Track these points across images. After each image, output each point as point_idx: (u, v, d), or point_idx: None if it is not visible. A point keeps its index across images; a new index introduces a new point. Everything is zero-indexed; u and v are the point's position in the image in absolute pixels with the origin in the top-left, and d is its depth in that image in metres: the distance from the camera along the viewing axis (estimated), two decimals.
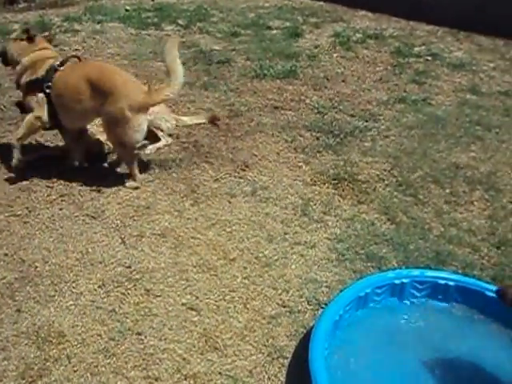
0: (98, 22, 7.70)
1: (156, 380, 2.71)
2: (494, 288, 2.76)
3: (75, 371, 2.73)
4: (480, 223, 3.93)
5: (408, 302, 3.13)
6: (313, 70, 6.27)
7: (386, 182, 4.29)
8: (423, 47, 7.12)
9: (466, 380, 2.76)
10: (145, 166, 4.28)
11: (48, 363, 2.77)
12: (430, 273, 3.21)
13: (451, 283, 3.13)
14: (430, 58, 6.85)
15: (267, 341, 2.94)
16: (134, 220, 3.76)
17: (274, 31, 7.31)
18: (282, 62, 6.28)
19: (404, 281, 3.12)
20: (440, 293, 3.14)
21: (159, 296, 3.18)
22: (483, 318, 3.05)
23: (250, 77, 5.93)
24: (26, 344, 2.86)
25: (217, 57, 6.28)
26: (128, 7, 8.49)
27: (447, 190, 4.26)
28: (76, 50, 6.53)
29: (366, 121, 5.22)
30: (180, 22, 7.60)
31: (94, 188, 4.06)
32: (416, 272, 3.20)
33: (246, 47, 6.64)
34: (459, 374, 2.79)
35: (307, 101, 5.54)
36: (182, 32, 7.17)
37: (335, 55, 6.69)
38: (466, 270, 3.46)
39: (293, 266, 3.45)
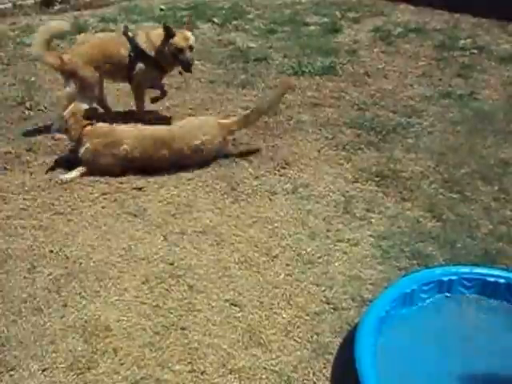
0: (133, 22, 7.94)
1: (202, 374, 2.84)
2: None
3: (122, 364, 2.89)
4: None
5: (456, 300, 3.18)
6: (352, 66, 6.35)
7: (431, 178, 4.34)
8: (469, 40, 7.11)
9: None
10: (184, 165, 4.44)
11: (95, 356, 2.93)
12: (479, 270, 3.25)
13: (502, 281, 3.16)
14: (475, 51, 6.84)
15: (311, 337, 3.04)
16: (176, 218, 3.92)
17: (312, 27, 7.41)
18: (320, 58, 6.38)
19: (452, 278, 3.17)
20: (489, 291, 3.18)
21: (202, 292, 3.32)
22: None
23: (287, 74, 6.05)
24: (73, 337, 3.03)
25: (254, 54, 6.42)
26: (163, 6, 8.73)
27: (495, 187, 4.27)
28: None
29: (409, 117, 5.27)
30: (215, 20, 7.78)
31: (134, 186, 4.24)
32: (464, 269, 3.25)
33: (283, 44, 6.77)
34: (506, 377, 2.82)
35: (347, 97, 5.63)
36: (218, 30, 7.35)
37: (375, 50, 6.75)
38: None
39: (336, 264, 3.54)
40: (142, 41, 4.95)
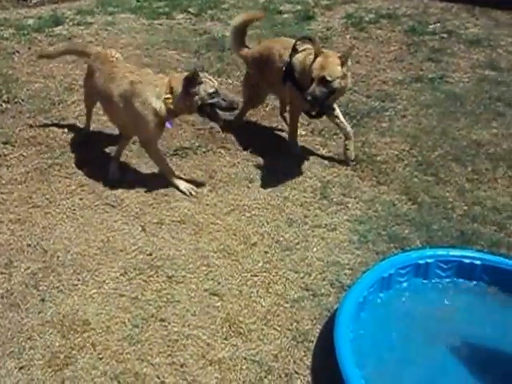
0: (110, 14, 7.61)
1: (181, 366, 2.69)
2: None
3: (101, 359, 2.73)
4: (505, 200, 3.83)
5: (433, 283, 3.06)
6: None
7: (406, 162, 4.20)
8: (438, 24, 6.93)
9: (492, 364, 2.68)
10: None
11: (74, 351, 2.76)
12: (454, 252, 3.13)
13: (477, 262, 3.05)
14: (445, 35, 6.66)
15: (291, 325, 2.90)
16: (154, 208, 3.73)
17: (286, 15, 7.16)
18: None
19: (428, 261, 3.05)
20: (466, 272, 3.06)
21: (181, 282, 3.15)
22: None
23: None
24: (51, 333, 2.86)
25: (229, 43, 6.16)
26: None
27: (469, 168, 4.15)
28: (89, 42, 6.48)
29: (383, 101, 5.11)
30: (191, 10, 7.48)
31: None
32: (440, 251, 3.13)
33: (258, 32, 6.50)
34: (484, 357, 2.73)
35: None
36: (194, 20, 7.07)
37: (348, 37, 6.53)
38: (492, 249, 3.38)
39: (314, 249, 3.39)
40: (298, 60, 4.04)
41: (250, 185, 3.94)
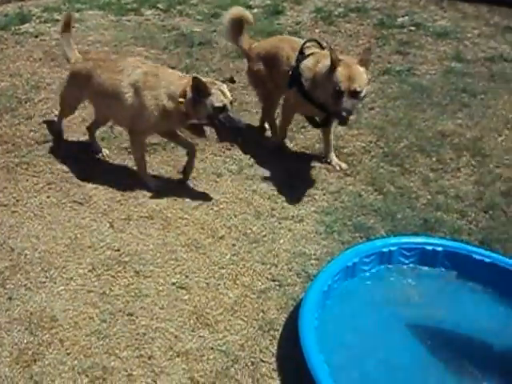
0: (78, 11, 7.57)
1: (149, 359, 2.74)
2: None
3: (68, 354, 2.76)
4: (467, 189, 3.96)
5: (396, 270, 3.16)
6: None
7: (372, 153, 4.30)
8: (406, 18, 7.06)
9: (456, 346, 2.78)
10: (128, 152, 4.26)
11: (41, 348, 2.79)
12: (417, 239, 3.24)
13: (439, 249, 3.15)
14: (413, 28, 6.80)
15: (258, 315, 2.97)
16: (122, 204, 3.76)
17: (255, 10, 7.20)
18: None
19: (392, 248, 3.15)
20: (428, 259, 3.16)
21: (149, 277, 3.20)
22: (472, 283, 3.08)
23: (231, 57, 5.87)
24: (18, 330, 2.88)
25: (198, 39, 6.20)
26: None
27: (434, 158, 4.27)
28: (56, 39, 6.46)
29: None
30: (160, 6, 7.48)
31: (80, 175, 4.05)
32: (403, 239, 3.23)
33: None
34: (448, 339, 2.82)
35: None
36: (163, 16, 7.08)
37: (317, 31, 6.62)
38: (454, 236, 3.50)
39: (281, 241, 3.47)
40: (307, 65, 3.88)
41: (217, 179, 4.01)
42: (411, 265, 3.16)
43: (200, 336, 2.86)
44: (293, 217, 3.65)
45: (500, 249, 3.35)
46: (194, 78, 3.51)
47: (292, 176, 4.04)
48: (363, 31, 6.73)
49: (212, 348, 2.79)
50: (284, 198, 3.83)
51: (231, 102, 3.58)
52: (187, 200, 3.79)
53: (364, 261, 3.08)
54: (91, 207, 3.74)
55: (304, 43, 3.99)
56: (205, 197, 3.83)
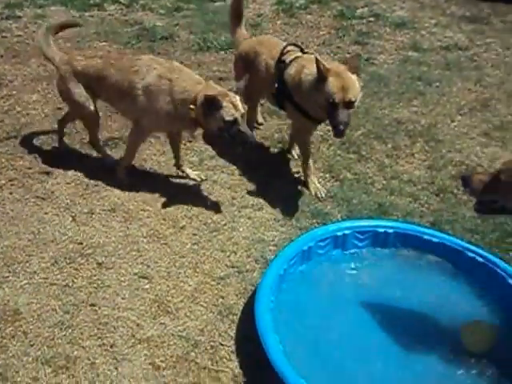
0: (40, 7, 7.47)
1: (111, 347, 2.80)
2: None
3: (32, 345, 2.79)
4: (420, 173, 4.09)
5: (351, 253, 3.26)
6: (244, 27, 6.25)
7: (330, 141, 4.39)
8: (366, 9, 7.17)
9: (408, 323, 2.88)
10: (90, 146, 4.28)
11: (5, 340, 2.81)
12: (369, 222, 3.34)
13: (390, 230, 3.26)
14: (372, 18, 6.91)
15: (217, 300, 3.05)
16: (84, 198, 3.78)
17: (217, 3, 7.22)
18: (225, 33, 6.23)
19: (346, 232, 3.24)
20: (380, 241, 3.27)
21: (111, 268, 3.24)
22: (423, 262, 3.20)
23: (193, 50, 5.91)
24: None
25: (160, 33, 6.20)
26: None
27: (389, 145, 4.39)
28: (18, 36, 6.40)
29: None
30: (122, 0, 7.43)
31: (42, 171, 4.05)
32: (357, 223, 3.33)
33: (190, 21, 6.59)
34: (400, 317, 2.91)
35: None
36: (125, 10, 7.05)
37: (279, 22, 6.69)
38: (406, 218, 3.61)
39: (241, 229, 3.54)
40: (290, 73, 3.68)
41: (179, 171, 4.05)
42: (365, 247, 3.26)
43: (161, 323, 2.92)
44: (252, 205, 3.73)
45: (449, 229, 3.48)
46: (206, 85, 3.48)
47: (252, 166, 4.11)
48: (324, 22, 6.82)
49: (173, 334, 2.85)
50: (244, 188, 3.90)
51: (242, 116, 3.42)
52: (149, 192, 3.83)
53: (319, 245, 3.16)
54: (54, 202, 3.75)
55: (283, 50, 3.79)
56: (166, 188, 3.87)
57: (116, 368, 2.69)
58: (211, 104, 3.33)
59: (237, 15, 4.31)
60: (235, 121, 3.36)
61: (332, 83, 3.31)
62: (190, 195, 3.83)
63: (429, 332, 2.80)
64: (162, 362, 2.72)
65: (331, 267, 3.18)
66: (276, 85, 3.73)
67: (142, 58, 3.77)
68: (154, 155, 4.22)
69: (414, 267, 3.17)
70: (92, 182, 3.93)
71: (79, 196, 3.80)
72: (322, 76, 3.34)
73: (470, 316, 2.82)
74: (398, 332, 2.81)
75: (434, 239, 3.17)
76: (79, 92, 3.84)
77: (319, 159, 4.18)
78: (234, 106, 3.37)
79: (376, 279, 3.13)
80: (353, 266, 3.20)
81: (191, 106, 3.45)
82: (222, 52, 5.95)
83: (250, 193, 3.85)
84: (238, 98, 3.43)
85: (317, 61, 3.35)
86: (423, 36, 6.52)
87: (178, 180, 3.97)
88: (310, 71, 3.48)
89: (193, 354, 2.76)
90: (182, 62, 5.56)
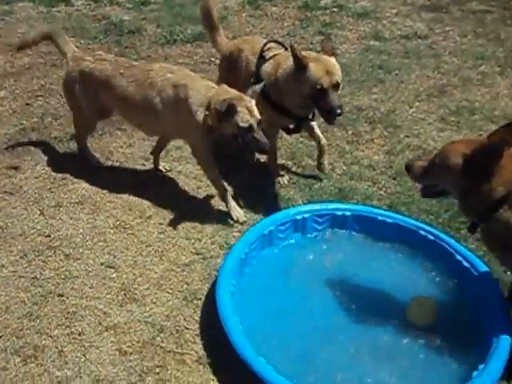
0: (7, 3, 7.34)
1: (79, 335, 2.83)
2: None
3: (1, 337, 2.81)
4: (379, 158, 4.17)
5: (310, 236, 3.33)
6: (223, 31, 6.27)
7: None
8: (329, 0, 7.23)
9: (367, 302, 2.94)
10: (58, 140, 4.27)
11: None
12: (328, 206, 3.41)
13: (348, 213, 3.34)
14: (335, 9, 6.95)
15: (182, 287, 3.10)
16: (52, 192, 3.79)
17: None
18: (192, 26, 6.24)
19: (305, 216, 3.30)
20: (339, 223, 3.34)
21: (79, 259, 3.26)
22: (378, 242, 3.28)
23: (160, 44, 5.90)
24: None
25: (127, 27, 6.16)
26: None
27: (350, 132, 4.46)
28: None
29: None
30: None
31: (10, 166, 4.03)
32: (316, 206, 3.40)
33: (157, 15, 6.56)
34: (359, 297, 2.98)
35: (217, 62, 5.52)
36: (93, 6, 6.99)
37: (244, 15, 6.70)
38: (366, 202, 3.69)
39: (205, 217, 3.59)
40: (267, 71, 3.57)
41: (145, 163, 4.07)
42: (324, 230, 3.32)
43: (128, 310, 2.96)
44: (216, 193, 3.77)
45: (405, 211, 3.57)
46: (220, 89, 3.33)
47: (216, 155, 4.13)
48: (288, 14, 6.85)
49: (139, 320, 2.90)
50: None
51: (258, 122, 3.25)
52: (116, 184, 3.84)
53: (280, 229, 3.22)
54: (22, 197, 3.75)
55: (263, 46, 3.69)
56: (133, 180, 3.90)
57: (84, 355, 2.72)
58: (226, 109, 3.17)
59: (212, 25, 4.16)
60: (250, 127, 3.21)
61: (314, 69, 3.23)
62: (157, 186, 3.86)
63: (383, 309, 2.88)
64: (128, 347, 2.76)
65: (291, 250, 3.25)
66: (252, 80, 3.60)
67: (154, 67, 3.62)
68: (120, 147, 4.23)
69: (371, 248, 3.25)
70: (60, 175, 3.93)
71: (47, 190, 3.80)
72: (301, 64, 3.24)
73: (423, 292, 2.91)
74: (355, 310, 2.88)
75: (389, 220, 3.26)
76: (81, 93, 3.76)
77: (282, 146, 4.23)
78: (249, 112, 3.21)
79: (335, 261, 3.20)
80: (312, 248, 3.27)
81: (206, 113, 3.32)
82: (189, 45, 5.95)
83: None
84: (253, 102, 3.27)
85: (292, 49, 3.24)
86: (384, 25, 6.58)
87: (144, 171, 4.00)
88: (286, 66, 3.41)
89: (158, 338, 2.81)
90: (149, 56, 5.70)
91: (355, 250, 3.27)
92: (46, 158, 4.10)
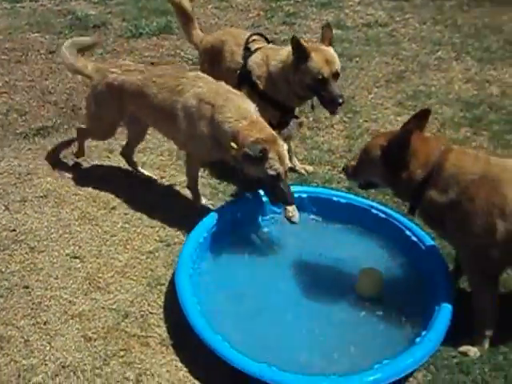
0: None
1: (44, 324, 2.86)
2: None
3: None
4: (339, 143, 4.24)
5: (269, 218, 3.40)
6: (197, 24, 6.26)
7: None
8: None
9: (320, 279, 3.05)
10: (23, 136, 4.26)
11: None
12: None
13: (304, 195, 3.41)
14: None
15: (146, 273, 3.14)
16: (17, 187, 3.77)
17: None
18: (157, 19, 6.22)
19: (264, 199, 3.36)
20: (296, 205, 3.40)
21: (43, 251, 3.28)
22: (334, 222, 3.36)
23: (126, 37, 5.87)
24: None
25: (92, 21, 6.12)
26: None
27: (310, 118, 4.51)
28: None
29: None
30: None
31: None
32: None
33: (122, 9, 6.52)
34: (314, 274, 3.09)
35: (182, 54, 5.59)
36: (58, 0, 6.90)
37: (210, 7, 6.69)
38: (325, 185, 3.76)
39: (170, 206, 3.63)
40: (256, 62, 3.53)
41: (110, 155, 4.09)
42: (282, 213, 3.37)
43: (92, 298, 2.99)
44: (180, 183, 3.81)
45: (363, 192, 3.63)
46: (252, 122, 3.00)
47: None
48: (253, 5, 6.86)
49: (103, 307, 2.94)
50: (173, 167, 3.98)
51: (286, 171, 3.05)
52: (81, 177, 3.86)
53: (239, 213, 3.28)
54: None
55: (248, 37, 3.67)
56: (98, 172, 3.91)
57: (49, 343, 2.76)
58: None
59: (187, 19, 4.08)
60: (278, 176, 2.97)
61: (316, 59, 3.22)
62: (121, 178, 3.88)
63: (337, 285, 2.98)
64: (93, 333, 2.80)
65: (251, 232, 3.32)
66: (238, 71, 3.57)
67: (188, 75, 3.42)
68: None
69: (326, 228, 3.34)
70: (24, 171, 3.92)
71: (12, 185, 3.79)
72: (303, 54, 3.22)
73: (372, 266, 3.00)
74: (312, 288, 2.98)
75: (343, 200, 3.34)
76: (108, 105, 3.59)
77: None
78: (279, 159, 2.96)
79: (292, 242, 3.28)
80: (271, 230, 3.34)
81: (232, 145, 3.00)
82: (155, 38, 5.94)
83: (178, 172, 3.92)
84: (285, 147, 3.04)
85: (295, 39, 3.24)
86: (347, 14, 6.64)
87: (109, 163, 4.01)
88: (277, 59, 3.44)
89: (123, 324, 2.85)
90: (114, 50, 5.68)
91: (312, 231, 3.34)
92: (11, 154, 4.08)
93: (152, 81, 3.40)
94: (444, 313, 2.56)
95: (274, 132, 3.06)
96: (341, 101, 3.28)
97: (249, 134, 2.98)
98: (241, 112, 3.11)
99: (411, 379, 2.55)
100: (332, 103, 3.31)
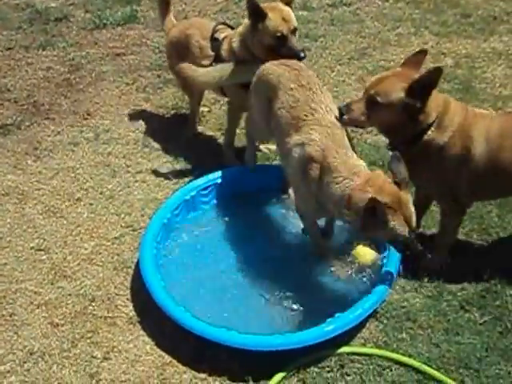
0: None
1: (10, 316, 3.10)
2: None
3: None
4: None
5: (233, 199, 3.63)
6: (154, 12, 6.46)
7: (221, 102, 4.70)
8: None
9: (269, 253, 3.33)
10: None
11: None
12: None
13: None
14: None
15: (112, 258, 3.39)
16: None
17: None
18: (122, 8, 6.43)
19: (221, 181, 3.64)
20: None
21: (7, 247, 3.52)
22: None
23: (89, 29, 6.05)
24: None
25: (53, 14, 6.29)
26: None
27: None
28: None
29: None
30: None
31: None
32: (232, 169, 3.77)
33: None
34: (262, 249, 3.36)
35: (149, 43, 5.81)
36: None
37: None
38: None
39: (135, 192, 3.87)
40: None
41: (74, 148, 4.31)
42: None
43: (59, 287, 3.23)
44: (147, 170, 4.04)
45: None
46: (369, 179, 2.73)
47: (146, 134, 4.40)
48: None
49: (70, 294, 3.18)
50: (139, 155, 4.20)
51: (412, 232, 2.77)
52: (44, 172, 4.09)
53: (202, 193, 3.55)
54: None
55: (214, 28, 3.88)
56: (61, 166, 4.14)
57: (16, 333, 3.00)
58: (371, 215, 2.62)
59: (165, 3, 4.35)
60: (406, 239, 2.74)
61: (273, 17, 3.42)
62: (86, 169, 4.10)
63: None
64: (60, 319, 3.05)
65: (212, 212, 3.60)
66: (212, 63, 3.74)
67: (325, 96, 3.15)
68: (48, 136, 4.45)
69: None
70: None
71: None
72: (260, 15, 3.41)
73: None
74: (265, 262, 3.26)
75: None
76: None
77: (211, 119, 4.53)
78: (406, 221, 2.69)
79: (253, 220, 3.54)
80: (235, 209, 3.59)
81: (345, 211, 2.78)
82: (119, 28, 6.09)
83: (144, 159, 4.16)
84: (413, 209, 2.74)
85: (251, 2, 3.41)
86: None
87: (73, 156, 4.23)
88: (236, 35, 3.68)
89: (90, 307, 3.10)
90: (77, 42, 5.87)
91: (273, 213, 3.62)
92: None
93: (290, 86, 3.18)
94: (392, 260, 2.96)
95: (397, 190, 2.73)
96: (302, 55, 3.44)
97: (360, 193, 2.72)
98: (351, 167, 2.87)
99: (364, 330, 2.90)
100: (295, 56, 3.43)
